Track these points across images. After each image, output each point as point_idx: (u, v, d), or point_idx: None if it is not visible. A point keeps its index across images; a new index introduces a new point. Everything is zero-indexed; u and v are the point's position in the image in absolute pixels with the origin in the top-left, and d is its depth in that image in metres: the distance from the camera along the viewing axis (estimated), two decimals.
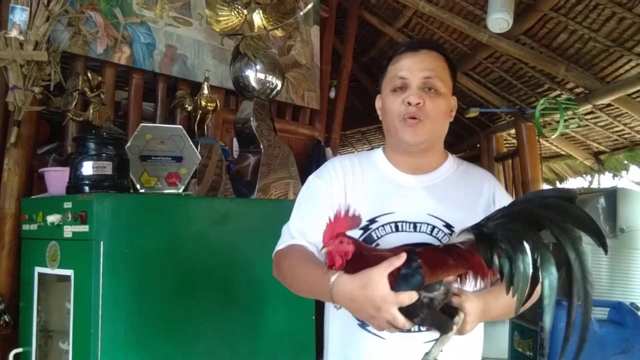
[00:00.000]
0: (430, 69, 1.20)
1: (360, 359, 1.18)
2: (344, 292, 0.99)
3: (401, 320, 0.95)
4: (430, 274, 0.96)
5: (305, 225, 1.21)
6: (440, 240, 1.16)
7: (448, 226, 1.17)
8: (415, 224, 1.18)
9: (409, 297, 0.95)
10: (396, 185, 1.24)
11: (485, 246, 0.99)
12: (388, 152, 1.29)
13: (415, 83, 1.19)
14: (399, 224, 1.18)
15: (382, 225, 1.19)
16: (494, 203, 1.23)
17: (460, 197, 1.23)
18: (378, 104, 1.30)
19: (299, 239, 1.20)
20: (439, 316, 1.00)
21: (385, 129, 1.28)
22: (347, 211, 1.00)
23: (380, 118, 1.28)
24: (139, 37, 2.60)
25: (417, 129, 1.18)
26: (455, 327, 1.01)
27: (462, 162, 1.33)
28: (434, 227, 1.18)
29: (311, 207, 1.24)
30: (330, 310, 1.27)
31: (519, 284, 0.95)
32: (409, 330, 1.05)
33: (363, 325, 1.16)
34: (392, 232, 1.18)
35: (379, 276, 0.94)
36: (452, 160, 1.30)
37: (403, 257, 0.96)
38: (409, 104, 1.17)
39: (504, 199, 1.24)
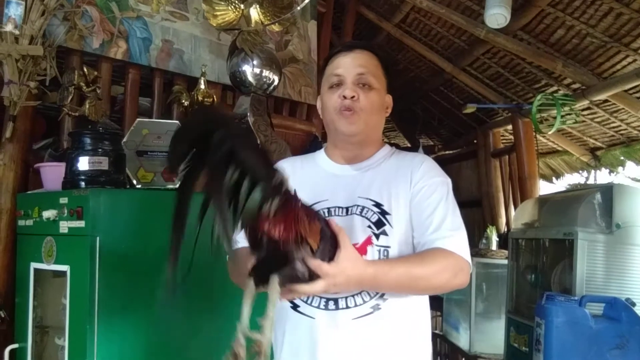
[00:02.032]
0: (363, 65, 1.29)
1: (292, 339, 1.24)
2: None
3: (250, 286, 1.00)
4: None
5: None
6: (369, 219, 1.23)
7: (377, 205, 1.24)
8: (347, 208, 1.26)
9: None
10: (331, 175, 1.34)
11: None
12: (328, 149, 1.39)
13: (349, 79, 1.28)
14: (332, 209, 1.26)
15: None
16: (412, 174, 1.27)
17: (390, 177, 1.29)
18: (318, 104, 1.39)
19: (241, 242, 1.22)
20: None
21: (325, 125, 1.38)
22: None
23: (322, 117, 1.38)
24: (135, 31, 2.58)
25: (351, 120, 1.27)
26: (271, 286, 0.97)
27: (400, 151, 1.40)
28: (363, 208, 1.25)
29: None
30: None
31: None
32: (336, 308, 1.17)
33: (295, 307, 1.23)
34: (325, 216, 1.21)
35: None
36: (387, 149, 1.38)
37: None
38: (344, 97, 1.26)
39: (423, 171, 1.28)
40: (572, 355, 1.75)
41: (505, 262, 2.57)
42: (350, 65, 1.29)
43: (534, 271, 2.33)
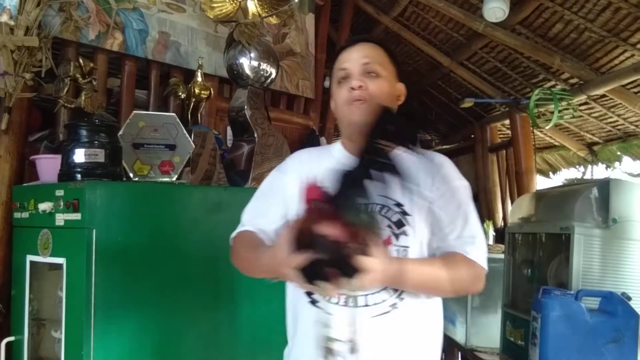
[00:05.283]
0: (367, 55, 1.30)
1: (307, 330, 1.22)
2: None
3: (300, 281, 1.00)
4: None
5: (255, 213, 1.34)
6: (390, 219, 1.22)
7: (398, 205, 1.23)
8: (365, 204, 1.21)
9: (303, 259, 0.99)
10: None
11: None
12: (344, 143, 1.38)
13: (355, 70, 1.28)
14: None
15: None
16: (434, 176, 1.28)
17: (410, 177, 1.27)
18: (332, 104, 1.38)
19: (247, 226, 1.32)
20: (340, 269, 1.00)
21: (339, 121, 1.39)
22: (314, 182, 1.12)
23: (335, 115, 1.38)
24: (131, 23, 2.57)
25: (362, 109, 1.26)
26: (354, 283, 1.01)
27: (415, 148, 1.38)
28: (383, 206, 1.23)
29: (263, 198, 1.37)
30: (288, 293, 1.35)
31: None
32: (355, 305, 1.17)
33: (313, 302, 1.23)
34: None
35: (280, 244, 1.03)
36: None
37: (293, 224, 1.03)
38: (352, 88, 1.26)
39: (444, 174, 1.29)
40: (567, 349, 1.75)
41: (502, 256, 2.57)
42: (354, 57, 1.30)
43: (531, 265, 2.34)
